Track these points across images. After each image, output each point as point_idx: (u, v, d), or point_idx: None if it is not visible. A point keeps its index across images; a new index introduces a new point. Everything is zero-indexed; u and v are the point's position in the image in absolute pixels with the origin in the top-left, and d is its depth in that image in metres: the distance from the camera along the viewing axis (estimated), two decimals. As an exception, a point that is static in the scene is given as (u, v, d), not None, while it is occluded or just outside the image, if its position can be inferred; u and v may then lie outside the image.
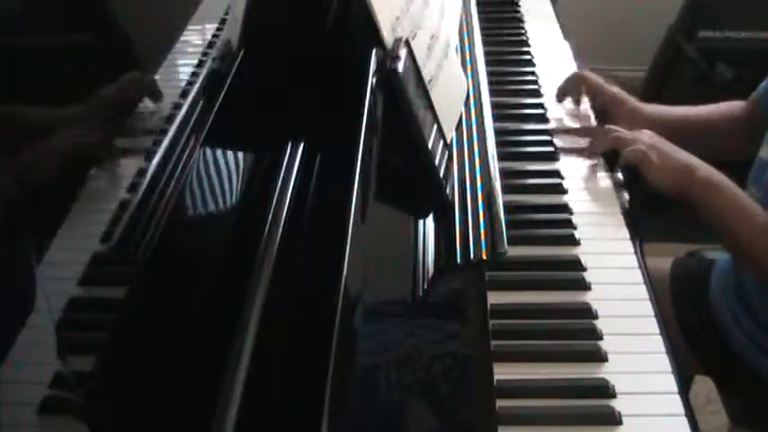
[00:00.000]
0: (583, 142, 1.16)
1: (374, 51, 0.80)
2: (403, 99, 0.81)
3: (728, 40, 2.04)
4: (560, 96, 1.26)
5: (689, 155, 1.05)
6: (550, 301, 0.92)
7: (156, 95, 0.95)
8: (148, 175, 0.78)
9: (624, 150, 1.06)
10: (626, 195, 1.08)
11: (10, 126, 0.70)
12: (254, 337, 0.56)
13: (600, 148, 1.13)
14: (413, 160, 0.85)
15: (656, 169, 1.04)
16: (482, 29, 1.26)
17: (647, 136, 1.07)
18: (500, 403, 0.79)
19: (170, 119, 0.86)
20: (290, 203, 0.67)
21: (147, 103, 0.94)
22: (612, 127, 1.12)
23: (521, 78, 1.36)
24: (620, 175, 1.11)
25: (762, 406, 1.14)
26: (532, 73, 1.37)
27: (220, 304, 0.62)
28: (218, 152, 0.78)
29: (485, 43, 1.21)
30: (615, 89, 1.23)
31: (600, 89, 1.23)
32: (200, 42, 1.22)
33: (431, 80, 0.91)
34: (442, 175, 0.87)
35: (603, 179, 1.11)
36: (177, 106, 0.90)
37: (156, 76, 1.07)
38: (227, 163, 0.78)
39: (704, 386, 1.46)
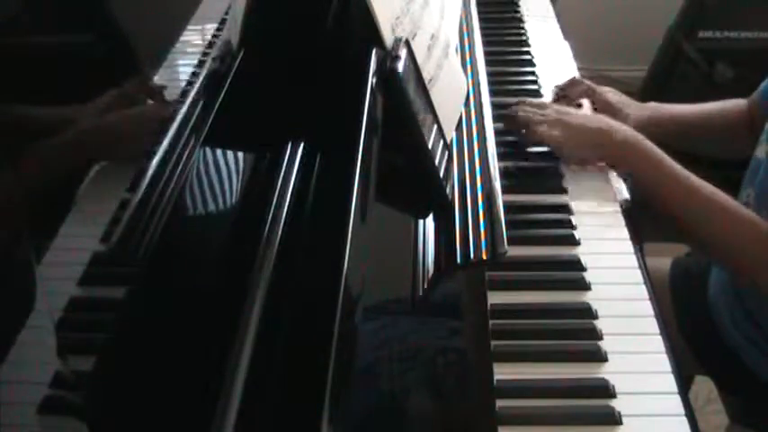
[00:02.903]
0: None
1: (374, 51, 0.80)
2: (403, 99, 0.81)
3: (728, 40, 2.04)
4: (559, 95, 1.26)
5: (608, 119, 1.04)
6: (550, 301, 0.92)
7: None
8: (148, 175, 0.78)
9: (527, 134, 1.07)
10: (626, 195, 1.08)
11: (13, 127, 0.70)
12: (254, 337, 0.56)
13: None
14: (413, 160, 0.85)
15: (565, 144, 1.04)
16: (482, 29, 1.25)
17: (553, 111, 1.07)
18: (500, 403, 0.80)
19: (170, 119, 0.86)
20: (290, 203, 0.67)
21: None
22: (523, 108, 1.11)
23: (521, 78, 1.36)
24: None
25: (761, 406, 1.14)
26: (532, 73, 1.37)
27: (220, 304, 0.62)
28: (218, 152, 0.78)
29: (485, 43, 1.21)
30: (608, 95, 1.22)
31: (593, 95, 1.23)
32: (201, 42, 1.22)
33: (431, 80, 0.91)
34: (441, 175, 0.87)
35: (603, 179, 1.11)
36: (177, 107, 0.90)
37: (156, 76, 1.07)
38: (227, 163, 0.78)
39: (704, 386, 1.46)
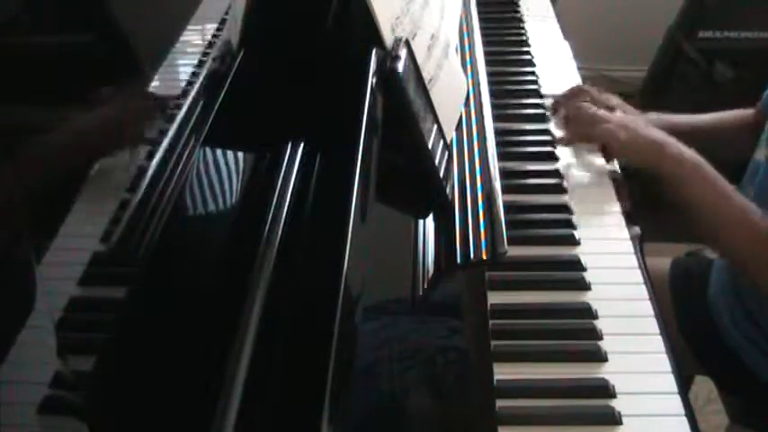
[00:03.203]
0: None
1: (374, 51, 0.80)
2: (403, 99, 0.81)
3: (728, 40, 2.04)
4: (556, 107, 1.26)
5: (662, 133, 1.05)
6: (550, 301, 0.92)
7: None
8: (148, 175, 0.78)
9: (593, 130, 1.08)
10: (627, 197, 1.08)
11: (13, 127, 0.70)
12: (254, 337, 0.56)
13: (574, 137, 1.15)
14: (413, 160, 0.85)
15: (623, 146, 1.06)
16: (482, 29, 1.25)
17: (618, 115, 1.09)
18: (500, 403, 0.80)
19: (170, 119, 0.86)
20: (290, 203, 0.67)
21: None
22: (584, 106, 1.13)
23: (521, 78, 1.36)
24: (617, 169, 1.12)
25: (761, 405, 1.14)
26: (532, 73, 1.37)
27: (220, 304, 0.62)
28: (218, 152, 0.78)
29: (485, 43, 1.21)
30: (614, 101, 1.22)
31: (595, 104, 1.22)
32: (201, 42, 1.22)
33: (431, 80, 0.91)
34: (442, 175, 0.87)
35: (603, 179, 1.11)
36: (177, 106, 0.90)
37: (156, 76, 1.07)
38: (227, 163, 0.78)
39: (704, 386, 1.46)
